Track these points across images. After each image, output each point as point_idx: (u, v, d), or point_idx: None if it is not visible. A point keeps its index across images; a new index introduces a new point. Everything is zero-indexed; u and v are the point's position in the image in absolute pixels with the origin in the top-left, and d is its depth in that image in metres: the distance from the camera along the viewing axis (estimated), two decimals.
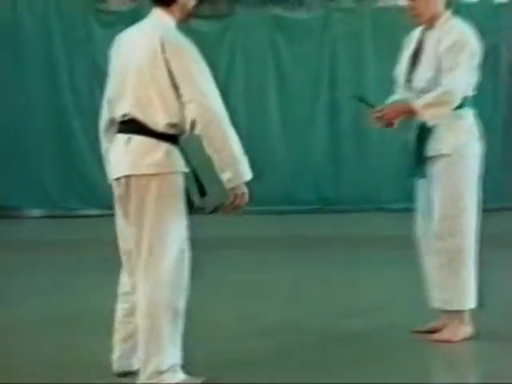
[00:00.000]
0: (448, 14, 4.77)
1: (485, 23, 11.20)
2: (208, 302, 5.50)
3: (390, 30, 11.10)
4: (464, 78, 4.59)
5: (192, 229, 3.96)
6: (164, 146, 3.84)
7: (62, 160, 11.04)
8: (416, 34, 4.87)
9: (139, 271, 3.85)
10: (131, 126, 3.89)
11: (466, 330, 4.64)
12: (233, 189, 3.90)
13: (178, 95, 3.81)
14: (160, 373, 3.81)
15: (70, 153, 11.06)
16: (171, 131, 3.85)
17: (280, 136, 11.37)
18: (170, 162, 3.84)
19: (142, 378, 3.84)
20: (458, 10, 11.18)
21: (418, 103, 4.52)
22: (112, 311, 4.08)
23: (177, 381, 3.86)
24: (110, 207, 11.53)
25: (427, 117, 4.52)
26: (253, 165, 11.41)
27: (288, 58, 11.44)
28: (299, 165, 11.29)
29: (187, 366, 3.91)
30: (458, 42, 4.58)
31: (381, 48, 10.65)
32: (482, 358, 4.55)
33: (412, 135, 4.69)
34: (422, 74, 4.68)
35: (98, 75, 11.09)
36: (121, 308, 4.06)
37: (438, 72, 4.58)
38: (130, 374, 4.01)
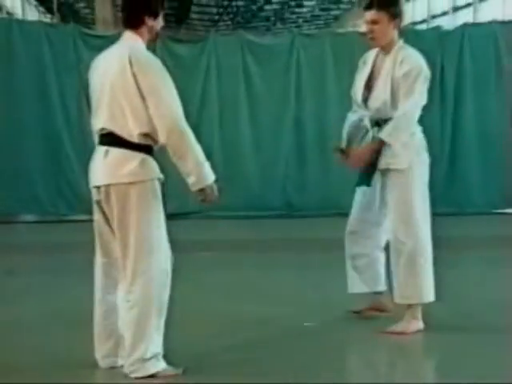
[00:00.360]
0: (401, 42, 4.85)
1: (433, 47, 11.40)
2: (186, 299, 5.49)
3: (348, 54, 11.22)
4: (419, 103, 4.71)
5: (169, 232, 3.99)
6: (139, 155, 3.85)
7: (52, 170, 11.00)
8: (370, 56, 4.93)
9: (128, 270, 3.85)
10: (108, 138, 3.91)
11: (419, 323, 4.70)
12: (199, 190, 3.95)
13: (146, 107, 3.81)
14: (144, 360, 3.82)
15: (60, 163, 11.02)
16: (145, 141, 3.86)
17: (250, 148, 11.40)
18: (145, 170, 3.86)
19: (126, 364, 3.84)
20: (410, 36, 11.50)
21: (382, 135, 4.64)
22: None
23: (159, 369, 3.87)
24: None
25: (393, 142, 4.62)
26: (226, 174, 11.52)
27: (258, 79, 11.48)
28: (268, 174, 11.33)
29: (167, 356, 3.93)
30: (413, 70, 4.67)
31: (340, 69, 10.75)
32: (432, 348, 4.60)
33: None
34: (378, 96, 4.75)
35: (87, 96, 11.07)
36: (98, 313, 4.04)
37: (393, 95, 4.66)
38: (115, 369, 3.99)
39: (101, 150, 3.95)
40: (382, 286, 5.02)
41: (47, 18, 32.62)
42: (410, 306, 4.72)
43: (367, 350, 4.55)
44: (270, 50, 11.55)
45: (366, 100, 4.81)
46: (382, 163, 4.68)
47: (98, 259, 4.08)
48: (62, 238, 9.65)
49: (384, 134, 4.63)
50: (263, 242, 9.08)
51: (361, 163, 4.74)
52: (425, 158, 4.83)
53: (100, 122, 3.95)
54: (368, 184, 4.77)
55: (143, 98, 3.80)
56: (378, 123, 4.74)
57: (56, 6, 22.06)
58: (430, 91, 12.27)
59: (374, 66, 4.86)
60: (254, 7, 35.30)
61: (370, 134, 4.81)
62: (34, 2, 35.01)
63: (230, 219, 10.74)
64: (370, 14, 4.74)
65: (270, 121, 11.36)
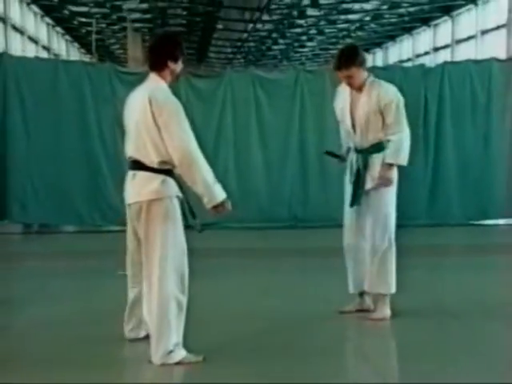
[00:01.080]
0: (371, 77, 4.92)
1: (418, 82, 11.40)
2: (205, 297, 5.47)
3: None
4: (407, 130, 4.82)
5: (187, 241, 4.07)
6: (160, 177, 4.00)
7: (90, 187, 11.00)
8: (345, 93, 5.00)
9: (148, 272, 3.96)
10: (135, 164, 4.08)
11: (388, 310, 4.85)
12: (213, 207, 4.15)
13: (162, 139, 3.95)
14: (169, 352, 3.85)
15: (97, 181, 11.02)
16: (164, 167, 4.00)
17: (261, 168, 11.39)
18: (165, 188, 4.01)
19: (155, 359, 3.87)
20: (398, 72, 11.53)
21: (388, 159, 4.88)
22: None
23: (180, 357, 3.88)
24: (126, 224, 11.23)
25: (395, 162, 4.91)
26: (239, 190, 11.44)
27: (267, 108, 11.48)
28: (276, 191, 11.31)
29: (189, 345, 3.94)
30: (393, 101, 4.79)
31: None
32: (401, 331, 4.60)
33: (352, 177, 4.81)
34: (359, 129, 4.87)
35: (120, 124, 11.10)
36: (130, 297, 4.34)
37: (370, 125, 4.71)
38: (138, 339, 4.29)
39: (130, 174, 4.13)
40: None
41: (87, 58, 32.86)
42: (380, 296, 4.85)
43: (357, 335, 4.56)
44: (277, 83, 11.55)
45: (353, 127, 4.91)
46: (369, 184, 4.80)
47: (128, 260, 4.33)
48: (97, 246, 9.65)
49: (387, 157, 4.82)
50: (272, 250, 9.07)
51: (389, 183, 4.88)
52: (396, 177, 5.06)
53: (129, 151, 4.14)
54: (359, 203, 4.84)
55: (160, 132, 3.94)
56: (359, 150, 4.90)
57: (94, 47, 22.20)
58: (415, 119, 12.24)
59: (351, 104, 4.94)
60: (263, 47, 35.46)
61: (354, 157, 4.90)
62: (77, 45, 35.32)
63: (243, 230, 10.71)
64: (341, 73, 4.87)
65: (277, 145, 11.36)
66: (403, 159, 4.80)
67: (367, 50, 34.83)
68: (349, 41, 31.37)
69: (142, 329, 4.28)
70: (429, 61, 24.13)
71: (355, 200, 4.85)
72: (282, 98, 11.44)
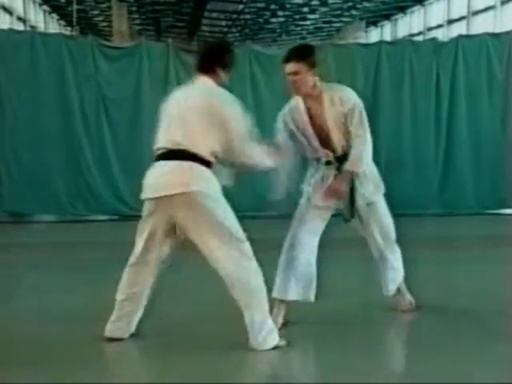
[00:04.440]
0: (324, 84, 4.92)
1: (429, 57, 11.40)
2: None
3: (349, 63, 11.24)
4: (369, 136, 4.84)
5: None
6: (202, 167, 4.23)
7: (71, 173, 11.01)
8: (299, 106, 5.12)
9: (213, 259, 4.18)
10: (178, 154, 4.22)
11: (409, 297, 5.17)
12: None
13: (219, 132, 4.28)
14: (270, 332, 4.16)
15: (79, 167, 11.03)
16: (210, 157, 4.25)
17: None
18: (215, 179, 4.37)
19: (258, 342, 4.15)
20: (408, 47, 11.51)
21: (348, 166, 4.78)
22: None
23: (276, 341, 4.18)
24: (113, 213, 11.51)
25: (356, 170, 4.80)
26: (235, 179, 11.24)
27: (264, 86, 11.48)
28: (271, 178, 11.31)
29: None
30: (356, 106, 4.83)
31: (340, 77, 10.69)
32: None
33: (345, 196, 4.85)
34: (333, 138, 4.87)
35: (104, 102, 11.12)
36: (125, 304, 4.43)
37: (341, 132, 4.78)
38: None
39: (168, 164, 4.23)
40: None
41: (67, 31, 32.72)
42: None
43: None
44: (275, 60, 11.48)
45: (320, 139, 4.89)
46: (359, 200, 4.81)
47: (132, 269, 4.45)
48: (79, 237, 9.66)
49: (349, 165, 4.77)
50: (267, 240, 9.05)
51: (338, 194, 4.79)
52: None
53: (172, 139, 4.26)
54: (353, 216, 4.91)
55: (217, 126, 4.27)
56: (329, 161, 4.92)
57: (76, 19, 22.11)
58: (426, 98, 12.24)
59: (309, 112, 4.95)
60: (260, 20, 35.31)
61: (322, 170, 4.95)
62: (56, 16, 35.16)
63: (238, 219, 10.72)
64: (289, 66, 4.92)
65: (274, 125, 11.32)
66: (363, 166, 4.80)
67: (374, 23, 34.74)
68: (354, 13, 31.26)
69: (130, 329, 4.40)
70: (442, 35, 24.06)
71: (349, 214, 4.90)
72: (280, 75, 11.41)
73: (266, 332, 4.14)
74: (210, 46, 4.78)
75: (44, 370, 3.92)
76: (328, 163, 4.91)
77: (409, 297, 5.15)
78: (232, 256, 4.16)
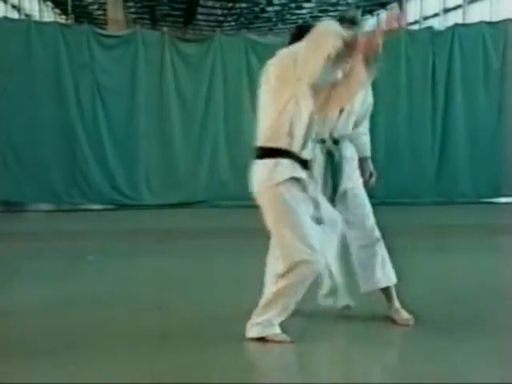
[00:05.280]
0: None
1: (425, 46, 11.39)
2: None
3: None
4: None
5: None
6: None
7: (67, 162, 11.00)
8: None
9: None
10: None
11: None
12: None
13: None
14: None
15: (75, 156, 11.02)
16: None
17: (252, 140, 11.36)
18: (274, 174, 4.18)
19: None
20: (404, 35, 11.50)
21: (367, 153, 4.86)
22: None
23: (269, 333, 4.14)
24: (108, 202, 11.48)
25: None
26: (230, 165, 11.38)
27: (259, 75, 11.42)
28: None
29: None
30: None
31: None
32: None
33: (328, 172, 4.72)
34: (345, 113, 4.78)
35: (99, 90, 11.11)
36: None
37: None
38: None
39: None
40: None
41: (62, 19, 32.58)
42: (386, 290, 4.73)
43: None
44: (271, 48, 11.33)
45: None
46: (342, 186, 4.70)
47: None
48: (76, 225, 9.66)
49: (368, 150, 4.84)
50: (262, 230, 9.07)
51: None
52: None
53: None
54: (334, 202, 4.67)
55: None
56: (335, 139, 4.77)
57: (71, 7, 22.01)
58: (423, 87, 12.22)
59: None
60: (256, 9, 35.20)
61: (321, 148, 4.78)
62: (51, 5, 35.00)
63: (234, 208, 10.75)
64: None
65: None
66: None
67: (371, 12, 34.66)
68: (350, 1, 31.19)
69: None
70: (438, 23, 24.03)
71: (332, 200, 4.67)
72: None
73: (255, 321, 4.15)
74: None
75: (44, 360, 3.94)
76: (334, 142, 4.79)
77: (404, 313, 4.68)
78: None
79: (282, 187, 4.08)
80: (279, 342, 4.11)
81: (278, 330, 4.14)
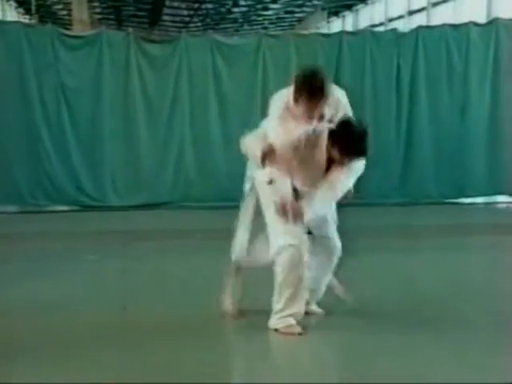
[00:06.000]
0: None
1: (390, 48, 11.50)
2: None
3: (311, 53, 11.27)
4: None
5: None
6: None
7: (32, 163, 10.89)
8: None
9: None
10: None
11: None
12: None
13: None
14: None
15: (39, 157, 10.91)
16: None
17: (219, 143, 11.36)
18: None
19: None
20: (369, 37, 11.59)
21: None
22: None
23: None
24: (73, 204, 11.36)
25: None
26: (197, 168, 11.34)
27: (226, 77, 11.46)
28: (236, 168, 11.25)
29: None
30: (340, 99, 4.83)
31: (300, 62, 10.75)
32: None
33: None
34: None
35: (64, 91, 11.01)
36: None
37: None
38: None
39: None
40: None
41: (26, 19, 32.21)
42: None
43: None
44: (237, 50, 11.52)
45: None
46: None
47: None
48: (40, 227, 9.57)
49: None
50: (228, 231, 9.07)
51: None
52: None
53: None
54: None
55: None
56: None
57: (34, 7, 21.75)
58: (387, 88, 12.30)
59: None
60: (222, 10, 35.17)
61: None
62: (14, 4, 34.59)
63: (200, 209, 10.74)
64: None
65: (238, 118, 11.29)
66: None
67: (336, 14, 34.84)
68: (316, 2, 31.31)
69: None
70: (403, 25, 24.25)
71: None
72: (242, 65, 11.42)
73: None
74: None
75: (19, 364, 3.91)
76: None
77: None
78: None
79: None
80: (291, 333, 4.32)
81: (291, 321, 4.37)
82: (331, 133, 4.37)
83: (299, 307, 4.41)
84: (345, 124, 4.43)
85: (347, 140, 4.35)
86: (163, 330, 4.46)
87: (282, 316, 4.39)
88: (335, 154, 4.33)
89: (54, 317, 4.72)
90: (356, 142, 4.39)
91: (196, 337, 4.29)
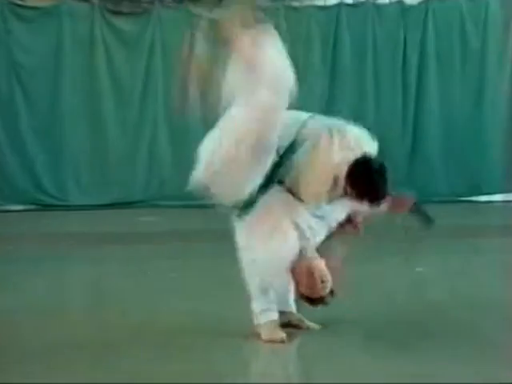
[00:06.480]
0: None
1: (395, 23, 11.52)
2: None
3: (304, 28, 11.27)
4: None
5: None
6: None
7: None
8: None
9: None
10: None
11: None
12: None
13: None
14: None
15: None
16: None
17: (200, 131, 11.21)
18: None
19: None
20: (371, 11, 11.61)
21: None
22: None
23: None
24: (30, 202, 11.35)
25: None
26: (172, 160, 11.32)
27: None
28: None
29: None
30: None
31: (295, 44, 10.75)
32: None
33: None
34: None
35: (16, 70, 10.94)
36: None
37: None
38: None
39: None
40: None
41: None
42: None
43: None
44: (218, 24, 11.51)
45: None
46: None
47: None
48: None
49: None
50: (209, 231, 9.05)
51: None
52: None
53: None
54: None
55: None
56: None
57: None
58: (392, 69, 12.31)
59: None
60: None
61: None
62: None
63: (174, 208, 10.73)
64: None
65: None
66: None
67: None
68: None
69: None
70: None
71: None
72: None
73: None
74: None
75: None
76: None
77: None
78: None
79: None
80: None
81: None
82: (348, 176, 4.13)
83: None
84: (364, 165, 4.21)
85: (368, 184, 4.17)
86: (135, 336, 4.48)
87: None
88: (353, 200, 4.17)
89: (18, 323, 4.71)
90: (378, 185, 4.19)
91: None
